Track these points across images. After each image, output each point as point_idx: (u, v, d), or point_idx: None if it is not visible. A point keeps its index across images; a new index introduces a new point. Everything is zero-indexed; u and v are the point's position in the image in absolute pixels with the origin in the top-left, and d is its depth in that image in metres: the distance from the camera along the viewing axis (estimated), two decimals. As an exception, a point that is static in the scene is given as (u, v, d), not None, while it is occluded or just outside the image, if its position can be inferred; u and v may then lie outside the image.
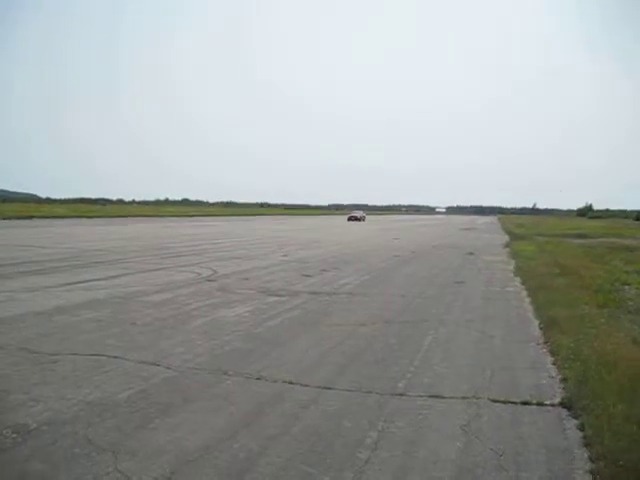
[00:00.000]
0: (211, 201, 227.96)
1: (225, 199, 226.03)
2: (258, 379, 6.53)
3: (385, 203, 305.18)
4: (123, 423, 5.17)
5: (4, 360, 7.06)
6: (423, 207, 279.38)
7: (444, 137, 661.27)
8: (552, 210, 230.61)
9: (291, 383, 6.43)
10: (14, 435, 4.84)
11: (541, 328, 9.68)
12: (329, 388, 6.34)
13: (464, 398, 6.14)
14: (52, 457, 4.49)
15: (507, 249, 29.34)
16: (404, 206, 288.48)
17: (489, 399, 6.12)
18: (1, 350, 7.51)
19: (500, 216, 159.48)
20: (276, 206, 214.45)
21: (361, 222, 78.21)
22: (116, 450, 4.62)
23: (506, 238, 40.52)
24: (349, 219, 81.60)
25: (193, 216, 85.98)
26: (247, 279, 15.08)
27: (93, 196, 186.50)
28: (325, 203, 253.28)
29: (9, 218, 55.54)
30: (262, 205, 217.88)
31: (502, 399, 6.12)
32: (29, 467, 4.34)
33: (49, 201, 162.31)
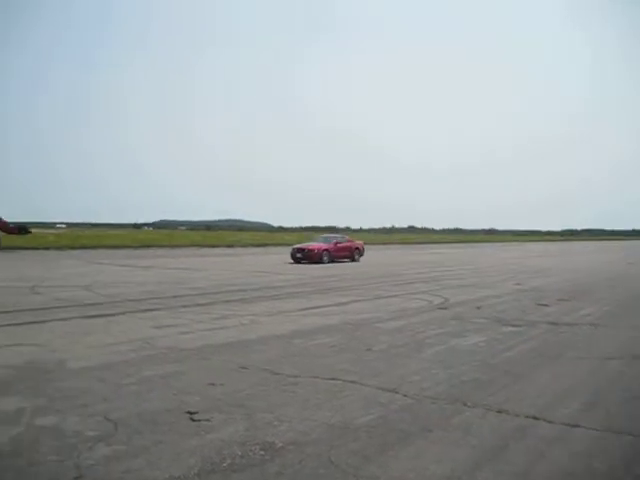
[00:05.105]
0: (437, 228, 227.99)
1: (451, 226, 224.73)
2: (499, 412, 6.28)
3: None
4: (364, 448, 5.20)
5: (250, 379, 7.48)
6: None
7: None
8: None
9: (534, 418, 6.09)
10: (262, 452, 5.05)
11: None
12: (576, 426, 5.90)
13: None
14: (298, 476, 4.62)
15: None
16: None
17: None
18: (247, 370, 7.98)
19: None
20: (504, 232, 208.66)
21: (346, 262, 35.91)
22: (358, 474, 4.65)
23: None
24: (294, 257, 34.77)
25: (420, 243, 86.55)
26: (479, 308, 14.75)
27: (321, 224, 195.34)
28: (557, 228, 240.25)
29: (245, 246, 60.06)
30: (489, 231, 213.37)
31: None
32: (278, 484, 4.50)
33: (280, 229, 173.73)
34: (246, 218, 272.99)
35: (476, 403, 6.57)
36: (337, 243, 36.34)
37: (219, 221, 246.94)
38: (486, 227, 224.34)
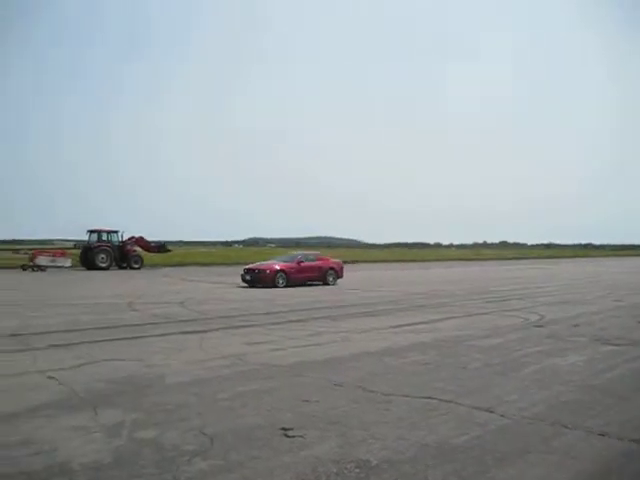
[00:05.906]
0: (529, 243, 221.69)
1: (544, 240, 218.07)
2: (601, 435, 5.99)
3: None
4: (461, 468, 5.07)
5: (344, 397, 7.45)
6: None
7: None
8: None
9: (640, 442, 5.81)
10: (357, 470, 5.01)
11: None
12: (690, 451, 5.58)
13: None
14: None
15: None
16: None
17: None
18: (341, 387, 7.97)
19: None
20: (602, 247, 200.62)
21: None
22: (456, 496, 4.56)
23: None
24: (244, 280, 28.32)
25: (512, 259, 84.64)
26: (577, 325, 14.23)
27: (411, 240, 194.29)
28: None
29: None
30: (585, 246, 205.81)
31: None
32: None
33: (370, 246, 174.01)
34: (335, 235, 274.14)
35: (577, 425, 6.30)
36: (300, 262, 29.33)
37: (308, 238, 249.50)
38: (582, 242, 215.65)
